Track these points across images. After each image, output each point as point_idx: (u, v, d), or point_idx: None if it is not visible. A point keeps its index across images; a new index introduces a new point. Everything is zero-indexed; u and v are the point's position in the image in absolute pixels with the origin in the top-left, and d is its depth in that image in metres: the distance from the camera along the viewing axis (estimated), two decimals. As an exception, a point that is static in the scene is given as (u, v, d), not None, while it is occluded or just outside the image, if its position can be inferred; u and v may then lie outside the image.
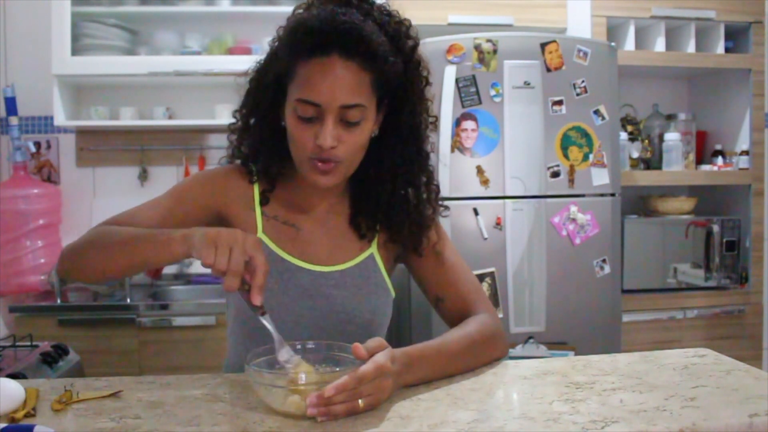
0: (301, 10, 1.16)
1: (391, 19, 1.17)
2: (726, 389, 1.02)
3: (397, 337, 2.81)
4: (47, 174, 3.04)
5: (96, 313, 2.57)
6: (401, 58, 1.16)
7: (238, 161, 1.27)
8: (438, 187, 1.28)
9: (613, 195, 2.65)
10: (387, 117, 1.21)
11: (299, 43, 1.11)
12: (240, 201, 1.24)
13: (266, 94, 1.19)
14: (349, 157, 1.15)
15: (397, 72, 1.15)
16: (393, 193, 1.23)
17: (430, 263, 1.28)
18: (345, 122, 1.12)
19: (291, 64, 1.13)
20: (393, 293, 1.30)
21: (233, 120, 1.27)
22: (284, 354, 1.00)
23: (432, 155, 1.28)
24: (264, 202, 1.25)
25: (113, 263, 1.12)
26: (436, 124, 1.27)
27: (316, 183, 1.16)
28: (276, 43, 1.18)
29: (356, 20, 1.10)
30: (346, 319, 1.21)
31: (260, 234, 1.22)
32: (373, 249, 1.27)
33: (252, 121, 1.24)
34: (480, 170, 2.54)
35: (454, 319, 1.26)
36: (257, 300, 1.00)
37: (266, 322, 1.02)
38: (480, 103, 2.54)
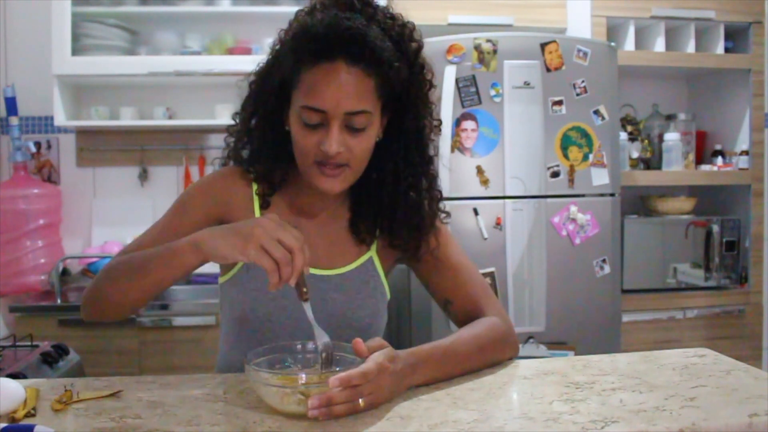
0: (303, 14, 1.16)
1: (395, 23, 1.17)
2: (726, 389, 1.02)
3: (397, 337, 2.81)
4: (47, 174, 3.04)
5: (96, 313, 2.57)
6: (405, 62, 1.15)
7: (237, 164, 1.26)
8: (440, 192, 1.28)
9: (612, 195, 2.65)
10: (391, 120, 1.20)
11: (304, 50, 1.10)
12: (240, 205, 1.23)
13: (269, 100, 1.18)
14: (355, 163, 1.14)
15: (401, 77, 1.14)
16: (394, 197, 1.21)
17: (435, 266, 1.27)
18: (350, 128, 1.11)
19: (295, 71, 1.12)
20: (389, 296, 1.30)
21: (232, 122, 1.26)
22: (321, 338, 1.01)
23: (435, 159, 1.28)
24: (264, 206, 1.24)
25: (129, 293, 1.11)
26: (440, 128, 1.26)
27: (323, 188, 1.15)
28: (278, 47, 1.18)
29: (360, 25, 1.10)
30: (345, 322, 1.20)
31: None
32: (372, 252, 1.27)
33: (253, 124, 1.23)
34: (480, 170, 2.54)
35: (464, 321, 1.24)
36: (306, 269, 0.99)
37: (308, 310, 1.01)
38: (480, 103, 2.54)
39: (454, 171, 2.50)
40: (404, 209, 1.22)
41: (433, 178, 1.25)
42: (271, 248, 0.96)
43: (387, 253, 1.28)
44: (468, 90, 2.53)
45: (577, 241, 2.60)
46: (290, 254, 0.96)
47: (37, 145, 3.01)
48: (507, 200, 2.56)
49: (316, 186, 1.16)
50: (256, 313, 1.19)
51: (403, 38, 1.16)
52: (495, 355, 1.18)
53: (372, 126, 1.14)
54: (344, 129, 1.11)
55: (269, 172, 1.23)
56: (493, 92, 2.54)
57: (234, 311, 1.23)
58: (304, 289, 1.00)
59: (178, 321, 2.56)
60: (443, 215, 1.29)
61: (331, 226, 1.26)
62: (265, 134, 1.21)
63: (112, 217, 3.04)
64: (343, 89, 1.08)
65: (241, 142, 1.25)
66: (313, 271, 1.21)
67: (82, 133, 3.06)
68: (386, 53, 1.11)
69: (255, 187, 1.24)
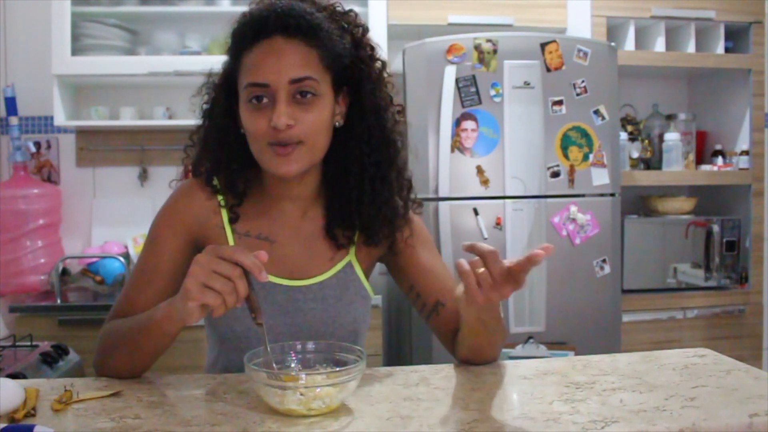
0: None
1: (336, 9, 1.18)
2: (726, 389, 1.02)
3: (398, 338, 2.81)
4: (47, 174, 3.04)
5: (96, 313, 2.56)
6: (350, 39, 1.16)
7: (198, 177, 1.23)
8: (410, 182, 1.25)
9: (613, 195, 2.65)
10: (351, 110, 1.19)
11: (242, 35, 1.12)
12: (209, 223, 1.20)
13: (220, 100, 1.18)
14: (309, 139, 1.11)
15: (345, 47, 1.14)
16: (362, 185, 1.18)
17: (417, 265, 1.25)
18: (298, 100, 1.10)
19: (237, 58, 1.13)
20: (372, 295, 1.28)
21: (190, 142, 1.25)
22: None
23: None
24: (233, 219, 1.21)
25: (130, 363, 1.12)
26: (404, 114, 1.24)
27: (279, 171, 1.12)
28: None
29: (294, 4, 1.12)
30: (327, 332, 1.19)
31: None
32: (351, 256, 1.25)
33: (210, 131, 1.21)
34: (480, 170, 2.54)
35: (455, 323, 1.20)
36: (263, 277, 0.95)
37: (263, 335, 0.99)
38: (480, 103, 2.54)
39: (454, 171, 2.50)
40: (373, 197, 1.19)
41: (401, 167, 1.23)
42: (211, 282, 0.93)
43: (365, 252, 1.26)
44: (468, 90, 2.53)
45: (577, 241, 2.59)
46: (232, 282, 0.94)
47: (37, 145, 3.01)
48: (507, 200, 2.56)
49: (273, 171, 1.13)
50: (234, 331, 1.18)
51: (347, 21, 1.17)
52: (500, 338, 1.17)
53: (322, 98, 1.12)
54: (292, 101, 1.09)
55: (231, 181, 1.20)
56: (493, 92, 2.54)
57: (214, 329, 1.22)
58: (253, 315, 0.99)
59: (178, 321, 2.56)
60: (415, 205, 1.27)
61: (306, 229, 1.23)
62: (222, 140, 1.18)
63: (112, 217, 3.04)
64: (284, 59, 1.09)
65: (202, 154, 1.22)
66: (289, 282, 1.20)
67: (82, 133, 3.05)
68: (324, 23, 1.11)
69: (220, 198, 1.21)
